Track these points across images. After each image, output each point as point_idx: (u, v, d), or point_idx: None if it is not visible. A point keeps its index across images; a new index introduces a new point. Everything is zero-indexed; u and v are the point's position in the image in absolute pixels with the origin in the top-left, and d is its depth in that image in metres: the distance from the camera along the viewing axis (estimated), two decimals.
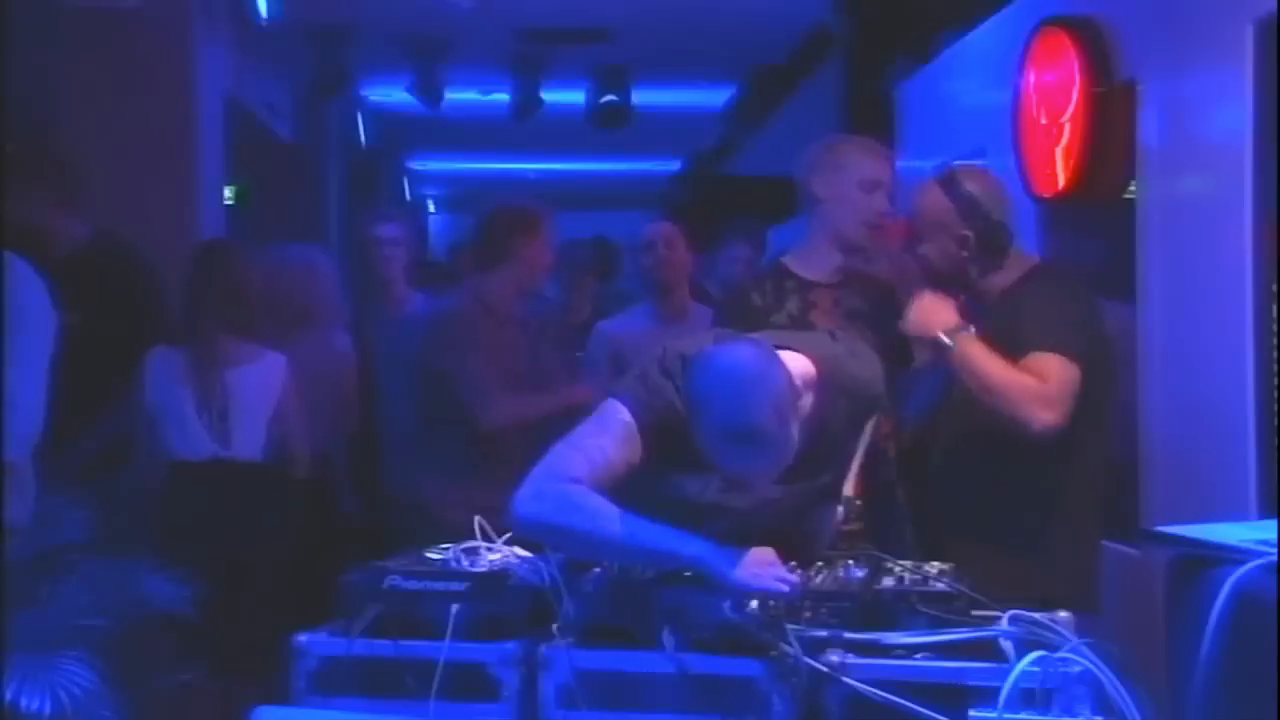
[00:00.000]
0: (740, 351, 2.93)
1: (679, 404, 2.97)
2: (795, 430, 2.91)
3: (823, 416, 3.03)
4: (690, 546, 2.80)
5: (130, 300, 4.49)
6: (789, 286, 3.99)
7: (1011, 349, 3.59)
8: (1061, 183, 4.83)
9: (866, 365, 3.26)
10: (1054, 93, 4.89)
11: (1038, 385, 3.52)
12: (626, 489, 2.91)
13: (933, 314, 3.66)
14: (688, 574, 2.84)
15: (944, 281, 3.83)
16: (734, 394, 2.84)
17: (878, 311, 3.93)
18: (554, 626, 2.81)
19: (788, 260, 4.10)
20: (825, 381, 3.01)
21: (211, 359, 4.90)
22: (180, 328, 4.97)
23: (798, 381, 2.96)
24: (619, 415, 2.97)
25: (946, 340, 3.61)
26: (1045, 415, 3.51)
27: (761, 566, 2.77)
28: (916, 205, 3.86)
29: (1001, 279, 3.75)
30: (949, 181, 3.79)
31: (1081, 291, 3.82)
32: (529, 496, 2.86)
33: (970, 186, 3.77)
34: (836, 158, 4.02)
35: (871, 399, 3.24)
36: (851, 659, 2.62)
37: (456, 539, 3.10)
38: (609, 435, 2.95)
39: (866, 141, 4.16)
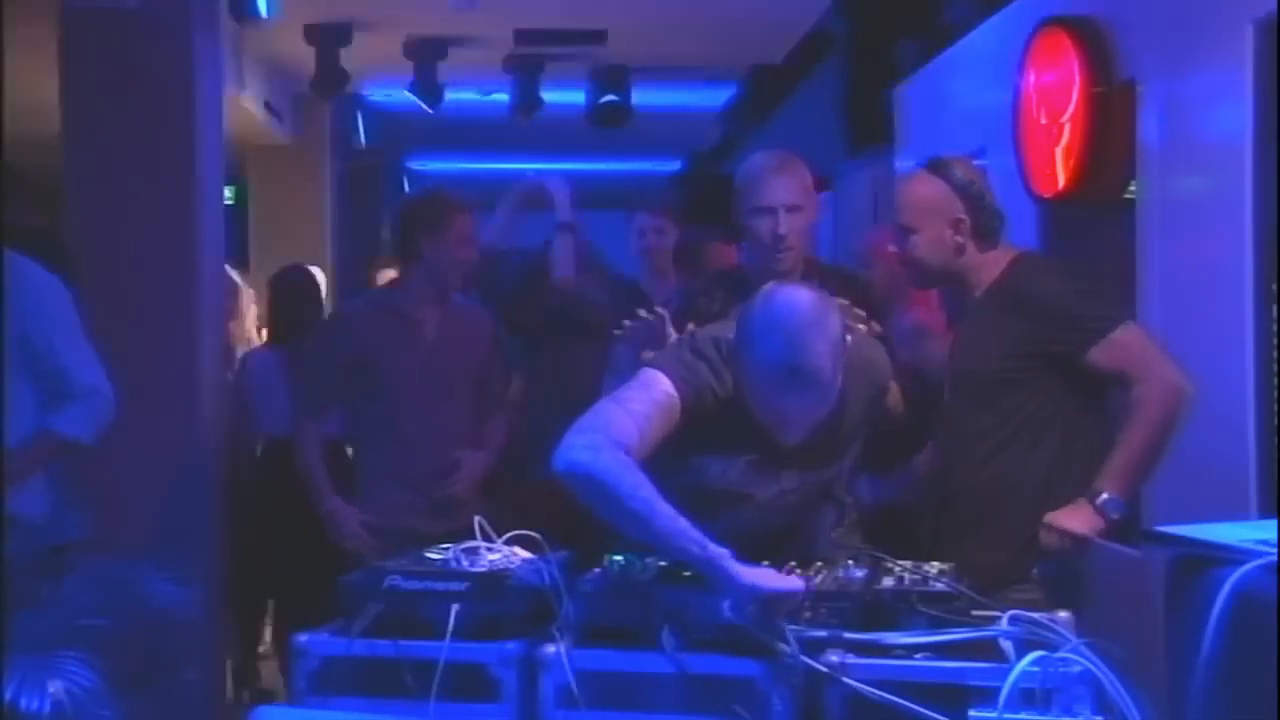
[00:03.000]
0: (801, 294, 3.01)
1: (712, 384, 3.02)
2: (839, 381, 2.96)
3: (845, 398, 3.06)
4: (712, 549, 2.77)
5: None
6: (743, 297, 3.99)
7: (1055, 345, 3.60)
8: (1061, 183, 4.83)
9: (879, 351, 3.39)
10: (1054, 93, 4.89)
11: (1159, 400, 3.51)
12: (649, 468, 2.91)
13: (1077, 521, 3.56)
14: (688, 573, 2.85)
15: (933, 277, 3.82)
16: (793, 331, 2.90)
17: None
18: (554, 626, 2.81)
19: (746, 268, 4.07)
20: (848, 362, 3.04)
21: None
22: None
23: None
24: (662, 385, 2.99)
25: (1112, 516, 3.54)
26: (1180, 386, 3.53)
27: (768, 575, 2.78)
28: (906, 196, 3.82)
29: (988, 273, 3.73)
30: (939, 167, 3.78)
31: (1073, 267, 3.87)
32: (584, 446, 2.84)
33: (961, 171, 3.78)
34: (738, 186, 3.95)
35: (884, 385, 3.32)
36: (851, 659, 2.62)
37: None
38: (654, 404, 2.96)
39: (770, 161, 3.97)
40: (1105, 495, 3.51)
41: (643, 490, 2.80)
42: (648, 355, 3.27)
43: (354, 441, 5.10)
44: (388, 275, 6.05)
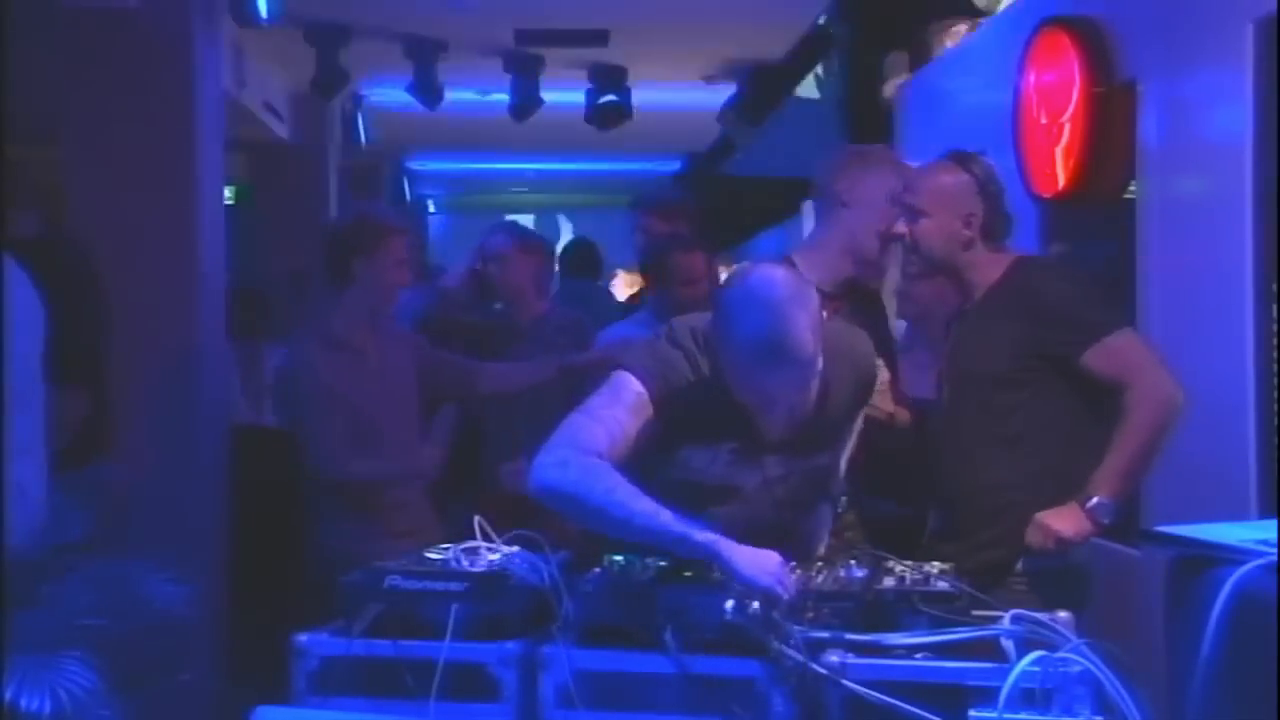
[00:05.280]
0: (776, 272, 3.01)
1: (689, 373, 3.03)
2: (820, 358, 2.96)
3: (828, 385, 3.06)
4: (703, 533, 2.81)
5: (79, 290, 4.49)
6: None
7: (1055, 346, 3.60)
8: (1061, 183, 4.83)
9: (864, 342, 3.38)
10: (1054, 93, 4.90)
11: (1153, 406, 3.53)
12: (633, 467, 2.92)
13: (1065, 523, 3.55)
14: (688, 573, 2.85)
15: (934, 265, 3.82)
16: (771, 308, 2.90)
17: (868, 324, 3.92)
18: (554, 626, 2.81)
19: (795, 259, 4.07)
20: (831, 349, 3.04)
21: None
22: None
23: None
24: (631, 386, 3.01)
25: (1102, 521, 3.55)
26: (1173, 394, 3.55)
27: (766, 566, 2.78)
28: (923, 181, 3.82)
29: (988, 274, 3.74)
30: (963, 159, 3.80)
31: (1073, 270, 3.91)
32: (553, 464, 2.87)
33: (982, 168, 3.80)
34: (868, 164, 4.01)
35: (870, 376, 3.33)
36: (852, 659, 2.62)
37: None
38: (622, 407, 2.98)
39: (894, 156, 4.13)
40: (1096, 499, 3.53)
41: (618, 493, 2.82)
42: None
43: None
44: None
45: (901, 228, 3.79)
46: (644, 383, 3.01)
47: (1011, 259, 3.78)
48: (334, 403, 4.70)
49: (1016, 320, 3.65)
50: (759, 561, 2.78)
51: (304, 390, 4.80)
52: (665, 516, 2.81)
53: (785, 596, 2.73)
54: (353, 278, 4.73)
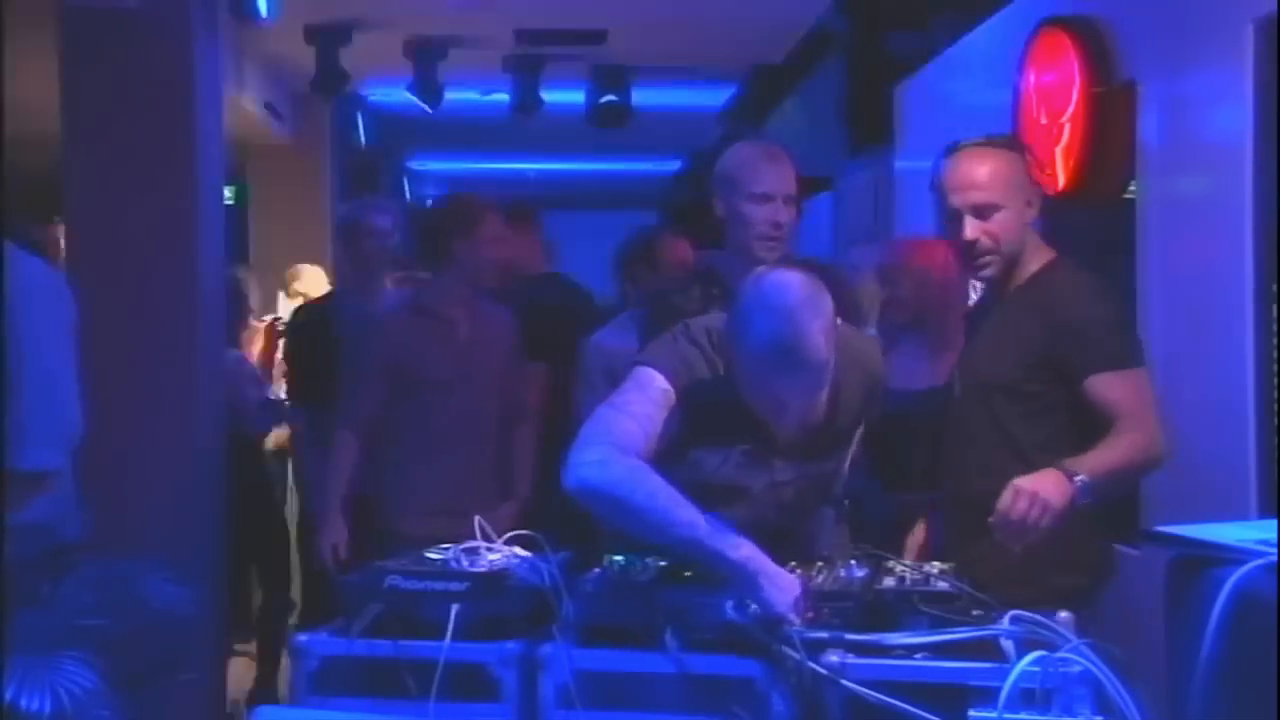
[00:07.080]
0: (792, 275, 2.99)
1: (706, 373, 3.02)
2: (832, 363, 2.95)
3: (836, 389, 3.05)
4: (738, 551, 2.77)
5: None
6: (715, 293, 3.77)
7: (1066, 360, 3.46)
8: (1061, 183, 4.83)
9: (873, 346, 3.39)
10: (1054, 93, 4.90)
11: (1143, 444, 3.39)
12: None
13: (1049, 489, 3.30)
14: (688, 573, 2.85)
15: (1007, 261, 3.55)
16: (786, 310, 2.88)
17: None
18: (554, 626, 2.81)
19: (717, 264, 3.96)
20: (841, 355, 3.03)
21: None
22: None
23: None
24: (657, 382, 2.99)
25: (1083, 498, 3.34)
26: (1159, 445, 3.42)
27: (785, 597, 2.74)
28: (981, 173, 3.52)
29: (1027, 267, 3.56)
30: (1009, 140, 3.66)
31: (1106, 285, 3.68)
32: (593, 462, 2.82)
33: (1021, 142, 3.67)
34: (730, 172, 3.85)
35: (877, 379, 3.31)
36: (852, 659, 2.62)
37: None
38: (651, 402, 2.96)
39: (765, 150, 3.92)
40: (1082, 477, 3.29)
41: (659, 497, 2.79)
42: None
43: (381, 445, 4.96)
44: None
45: (973, 231, 3.52)
46: (669, 378, 2.99)
47: (1048, 257, 3.59)
48: (385, 361, 4.83)
49: (1037, 326, 3.48)
50: (782, 588, 2.75)
51: (361, 346, 4.96)
52: (703, 529, 2.77)
53: (795, 625, 2.70)
54: (452, 258, 4.90)
